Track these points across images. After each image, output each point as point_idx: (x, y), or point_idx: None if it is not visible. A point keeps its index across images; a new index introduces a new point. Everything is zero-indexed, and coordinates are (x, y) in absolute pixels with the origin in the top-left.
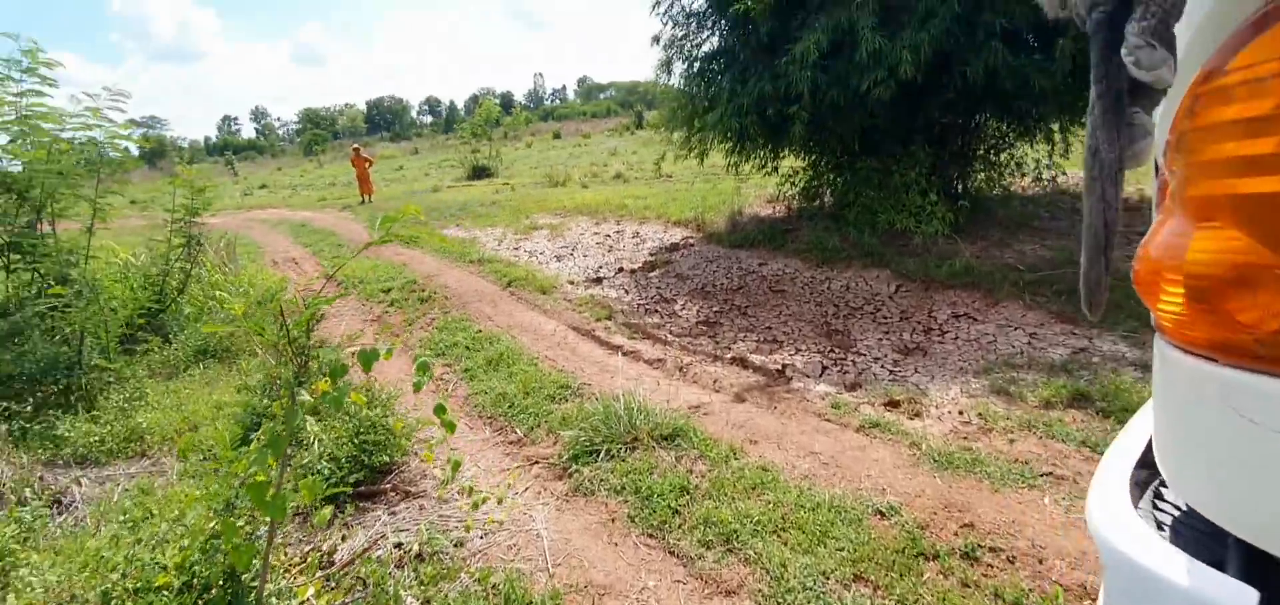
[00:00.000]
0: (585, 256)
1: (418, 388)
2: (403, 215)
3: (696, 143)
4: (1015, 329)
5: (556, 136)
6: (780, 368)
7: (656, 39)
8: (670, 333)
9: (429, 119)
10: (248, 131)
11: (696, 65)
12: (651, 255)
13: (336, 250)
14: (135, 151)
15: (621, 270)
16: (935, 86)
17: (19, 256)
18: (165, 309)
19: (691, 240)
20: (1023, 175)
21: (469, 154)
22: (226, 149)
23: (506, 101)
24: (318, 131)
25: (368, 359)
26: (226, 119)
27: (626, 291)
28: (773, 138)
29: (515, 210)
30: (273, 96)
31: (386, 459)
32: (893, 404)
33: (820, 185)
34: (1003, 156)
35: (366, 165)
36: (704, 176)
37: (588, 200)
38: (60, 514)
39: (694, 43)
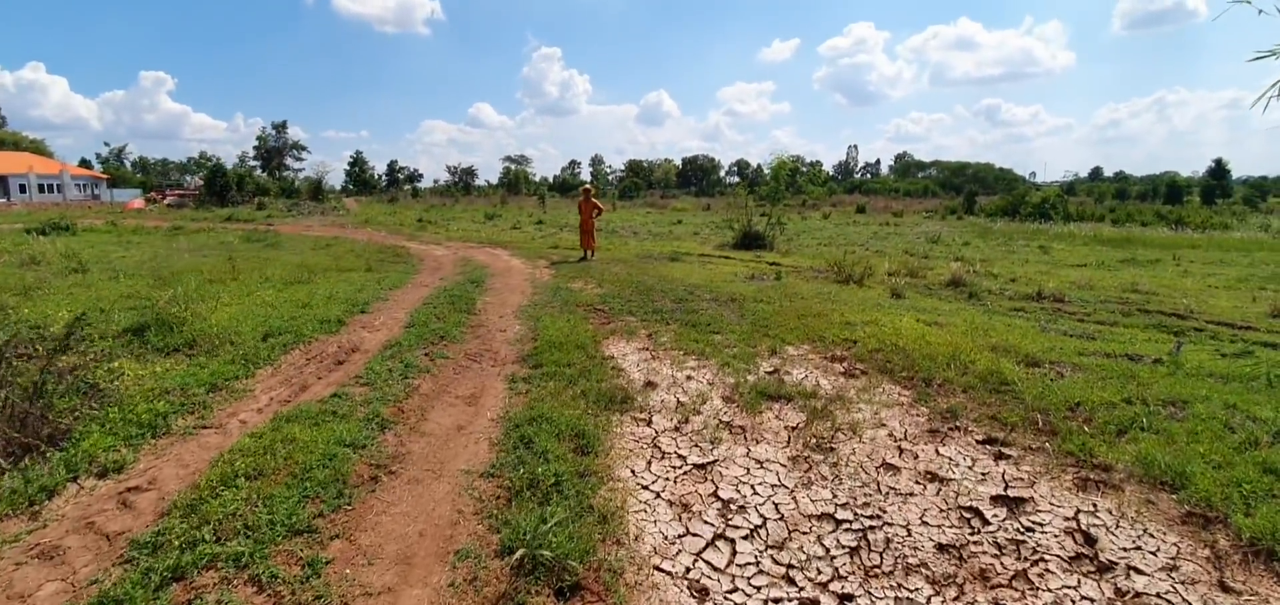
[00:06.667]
0: None
1: None
2: None
3: None
4: None
5: (860, 210)
6: None
7: None
8: None
9: (736, 179)
10: (584, 174)
11: None
12: None
13: (446, 347)
14: None
15: None
16: None
17: None
18: None
19: None
20: None
21: (755, 216)
22: (563, 186)
23: (813, 172)
24: (635, 180)
25: None
26: (572, 162)
27: None
28: None
29: (761, 325)
30: (613, 148)
31: None
32: None
33: None
34: None
35: (593, 214)
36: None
37: (908, 334)
38: None
39: None
